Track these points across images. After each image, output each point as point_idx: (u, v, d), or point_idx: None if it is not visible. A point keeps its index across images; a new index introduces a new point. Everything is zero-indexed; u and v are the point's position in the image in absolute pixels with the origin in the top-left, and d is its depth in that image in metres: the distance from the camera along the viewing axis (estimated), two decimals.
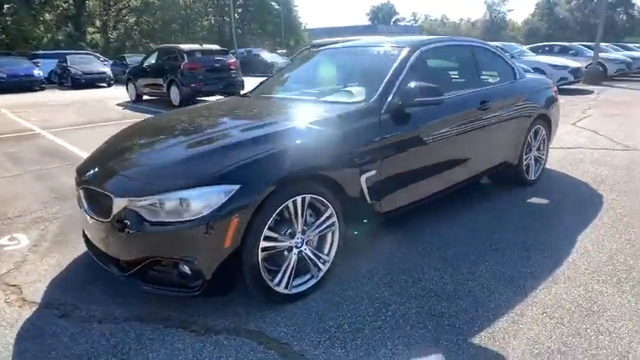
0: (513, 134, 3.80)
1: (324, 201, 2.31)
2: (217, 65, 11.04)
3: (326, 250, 2.42)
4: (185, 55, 10.72)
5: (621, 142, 5.81)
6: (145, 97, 12.36)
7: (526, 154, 4.00)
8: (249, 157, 2.13)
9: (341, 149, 2.43)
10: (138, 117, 9.15)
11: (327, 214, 2.36)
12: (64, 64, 18.63)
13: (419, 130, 2.86)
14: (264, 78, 4.41)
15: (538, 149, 4.18)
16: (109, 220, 2.13)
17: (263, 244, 2.10)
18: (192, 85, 10.44)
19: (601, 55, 15.04)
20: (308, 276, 2.37)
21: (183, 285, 2.10)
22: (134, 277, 2.16)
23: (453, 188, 3.30)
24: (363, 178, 2.51)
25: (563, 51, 16.08)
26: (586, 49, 16.40)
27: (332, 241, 2.43)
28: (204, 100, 10.48)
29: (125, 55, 23.66)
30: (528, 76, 4.36)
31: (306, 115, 2.66)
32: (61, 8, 33.03)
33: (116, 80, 18.99)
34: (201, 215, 1.96)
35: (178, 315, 2.21)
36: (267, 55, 25.44)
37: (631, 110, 8.68)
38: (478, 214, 3.47)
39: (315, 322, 2.15)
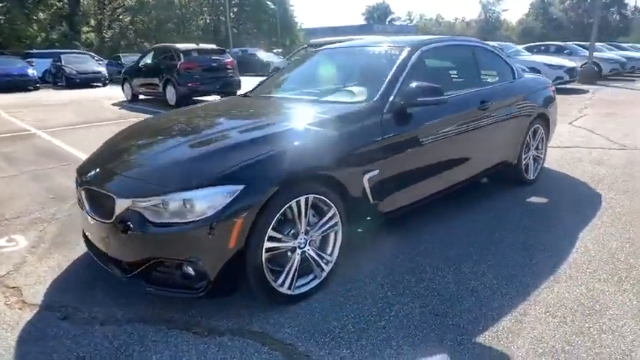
0: (513, 134, 3.81)
1: (327, 201, 2.31)
2: (214, 65, 11.00)
3: (329, 251, 2.42)
4: (181, 54, 10.67)
5: (618, 142, 5.85)
6: (141, 97, 12.31)
7: (525, 154, 4.02)
8: (253, 157, 2.12)
9: (344, 149, 2.43)
10: (134, 117, 9.11)
11: (330, 215, 2.35)
12: (59, 64, 18.47)
13: (421, 130, 2.86)
14: (260, 77, 4.39)
15: (537, 148, 4.20)
16: (111, 221, 2.11)
17: (267, 244, 2.09)
18: (189, 84, 10.39)
19: (595, 54, 15.14)
20: (311, 276, 2.36)
21: (187, 286, 2.09)
22: (137, 278, 2.14)
23: (453, 188, 3.31)
24: (366, 177, 2.51)
25: (559, 50, 16.19)
26: (580, 48, 16.53)
27: (335, 242, 2.43)
28: (201, 100, 10.46)
29: (120, 54, 23.50)
30: (527, 75, 4.38)
31: (309, 116, 2.66)
32: (55, 7, 32.77)
33: (111, 80, 18.87)
34: (205, 216, 1.95)
35: (181, 316, 2.19)
36: (263, 55, 25.37)
37: (626, 109, 8.75)
38: (478, 214, 3.48)
39: (319, 322, 2.15)
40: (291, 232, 2.23)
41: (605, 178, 4.31)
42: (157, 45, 13.44)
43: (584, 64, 14.62)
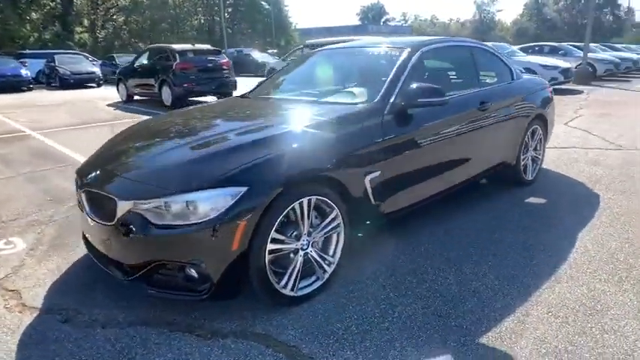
0: (511, 134, 3.82)
1: (330, 202, 2.30)
2: (210, 65, 10.96)
3: (331, 252, 2.42)
4: (177, 54, 10.63)
5: (614, 142, 5.89)
6: (136, 98, 12.24)
7: (523, 154, 4.03)
8: (256, 158, 2.11)
9: (345, 150, 2.43)
10: (129, 117, 9.07)
11: (332, 216, 2.35)
12: (52, 64, 18.32)
13: (421, 131, 2.86)
14: (256, 78, 4.38)
15: (535, 149, 4.22)
16: (112, 223, 2.10)
17: (270, 246, 2.08)
18: (185, 85, 10.35)
19: (590, 55, 15.25)
20: (313, 278, 2.36)
21: (189, 288, 2.08)
22: (138, 281, 2.13)
23: (453, 189, 3.31)
24: (368, 179, 2.51)
25: (553, 51, 16.27)
26: (575, 49, 16.63)
27: (337, 243, 2.43)
28: (197, 101, 10.43)
29: (114, 54, 23.34)
30: (525, 76, 4.40)
31: (310, 117, 2.65)
32: (48, 7, 32.56)
33: (105, 80, 18.76)
34: (208, 218, 1.94)
35: (184, 319, 2.18)
36: (257, 55, 25.35)
37: (621, 110, 8.81)
38: (478, 214, 3.49)
39: (322, 324, 2.14)
40: (294, 233, 2.23)
41: (602, 178, 4.33)
42: (153, 45, 13.39)
43: (579, 64, 14.72)
